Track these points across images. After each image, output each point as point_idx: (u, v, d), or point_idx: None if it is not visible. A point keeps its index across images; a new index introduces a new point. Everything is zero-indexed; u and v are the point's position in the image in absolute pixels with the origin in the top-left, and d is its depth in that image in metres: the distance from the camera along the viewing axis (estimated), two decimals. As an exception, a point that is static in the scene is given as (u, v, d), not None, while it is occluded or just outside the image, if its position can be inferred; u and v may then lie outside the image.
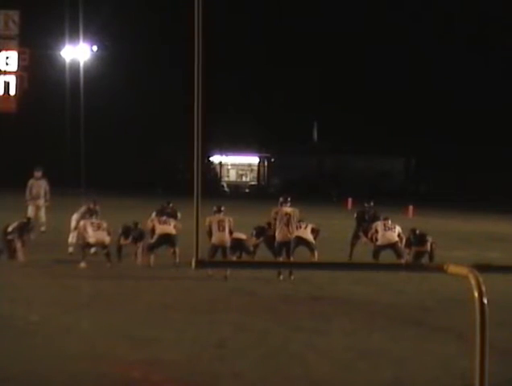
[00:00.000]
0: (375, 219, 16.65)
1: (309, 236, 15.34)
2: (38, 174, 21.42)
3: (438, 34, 54.91)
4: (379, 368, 8.34)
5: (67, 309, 10.91)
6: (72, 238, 16.99)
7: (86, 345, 8.85)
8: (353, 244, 17.03)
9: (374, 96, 56.19)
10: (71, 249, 16.83)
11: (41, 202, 21.18)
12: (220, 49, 44.94)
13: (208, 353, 8.73)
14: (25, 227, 16.06)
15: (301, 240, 15.14)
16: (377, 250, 15.68)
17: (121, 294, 12.32)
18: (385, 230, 15.76)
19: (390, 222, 15.98)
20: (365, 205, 17.64)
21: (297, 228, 15.13)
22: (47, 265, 15.16)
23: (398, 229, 15.82)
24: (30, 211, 21.00)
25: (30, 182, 21.41)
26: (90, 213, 16.45)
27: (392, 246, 15.60)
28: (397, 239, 15.67)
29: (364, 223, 17.10)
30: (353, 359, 8.65)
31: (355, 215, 17.80)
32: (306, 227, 15.44)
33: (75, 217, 17.03)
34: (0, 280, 13.22)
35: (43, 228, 21.04)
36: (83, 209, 17.10)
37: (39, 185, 21.32)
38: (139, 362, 8.25)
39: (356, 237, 17.20)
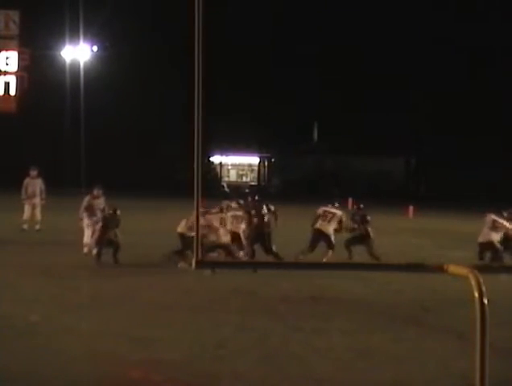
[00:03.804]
0: (364, 221, 16.97)
1: (330, 231, 15.83)
2: (33, 173, 21.58)
3: (438, 33, 54.86)
4: (379, 368, 8.34)
5: (67, 309, 10.90)
6: (86, 238, 16.73)
7: (86, 345, 8.85)
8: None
9: (374, 95, 56.15)
10: (85, 250, 16.49)
11: (37, 200, 21.33)
12: (221, 49, 44.89)
13: (208, 353, 8.73)
14: None
15: (321, 234, 15.59)
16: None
17: (121, 294, 12.31)
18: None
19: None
20: (355, 207, 18.05)
21: (323, 220, 15.88)
22: (47, 265, 15.16)
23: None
24: (27, 210, 21.18)
25: (26, 181, 21.57)
26: (94, 197, 17.01)
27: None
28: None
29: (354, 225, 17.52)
30: (352, 359, 8.66)
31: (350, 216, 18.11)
32: (330, 221, 15.86)
33: (82, 211, 17.14)
34: (0, 280, 13.22)
35: (37, 227, 21.14)
36: (87, 198, 17.31)
37: (34, 184, 21.47)
38: (139, 362, 8.25)
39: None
